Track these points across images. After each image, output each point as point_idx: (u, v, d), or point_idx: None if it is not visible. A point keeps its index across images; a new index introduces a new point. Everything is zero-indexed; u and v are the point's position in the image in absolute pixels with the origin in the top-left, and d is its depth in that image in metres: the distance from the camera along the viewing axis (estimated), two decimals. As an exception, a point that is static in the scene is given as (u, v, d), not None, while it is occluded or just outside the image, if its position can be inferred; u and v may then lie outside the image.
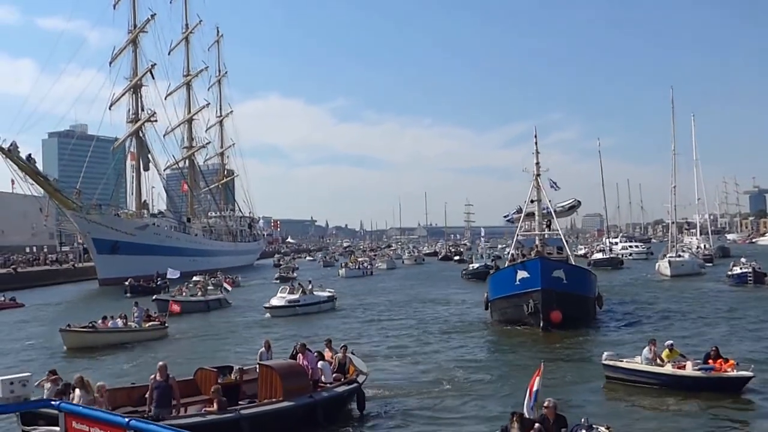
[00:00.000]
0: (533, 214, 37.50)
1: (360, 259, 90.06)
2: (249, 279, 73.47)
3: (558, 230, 36.27)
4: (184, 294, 43.14)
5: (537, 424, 11.55)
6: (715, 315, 34.76)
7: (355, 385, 16.05)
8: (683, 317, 34.34)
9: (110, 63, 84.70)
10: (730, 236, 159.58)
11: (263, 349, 17.81)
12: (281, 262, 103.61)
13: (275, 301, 39.58)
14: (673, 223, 74.07)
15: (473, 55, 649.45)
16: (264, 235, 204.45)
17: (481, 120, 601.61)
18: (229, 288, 48.83)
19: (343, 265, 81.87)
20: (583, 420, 12.02)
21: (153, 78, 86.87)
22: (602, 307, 34.49)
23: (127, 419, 5.97)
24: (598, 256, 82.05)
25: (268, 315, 38.57)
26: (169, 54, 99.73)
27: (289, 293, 40.03)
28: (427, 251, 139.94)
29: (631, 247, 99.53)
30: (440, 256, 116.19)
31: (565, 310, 29.23)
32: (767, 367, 20.38)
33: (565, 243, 34.92)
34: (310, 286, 42.81)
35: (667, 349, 19.09)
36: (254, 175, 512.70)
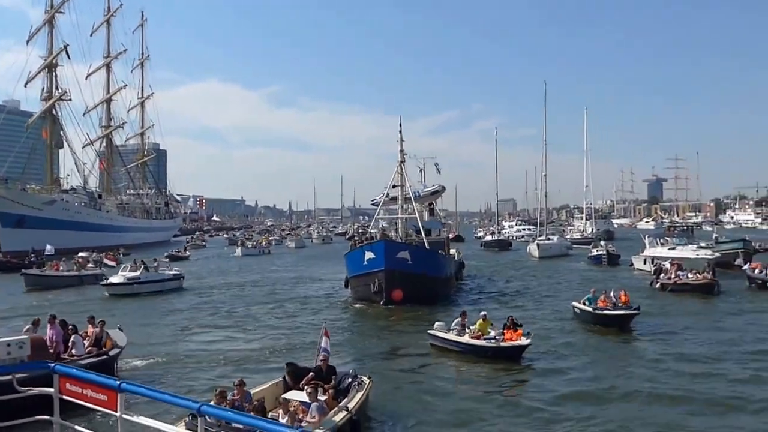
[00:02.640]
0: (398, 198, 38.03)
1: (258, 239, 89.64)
2: (147, 256, 71.17)
3: (416, 215, 36.58)
4: (60, 269, 41.83)
5: (311, 373, 13.28)
6: (555, 291, 36.41)
7: (104, 357, 16.04)
8: (526, 292, 36.62)
9: (27, 41, 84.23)
10: (616, 221, 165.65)
11: (30, 325, 16.61)
12: (188, 241, 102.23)
13: (114, 279, 37.42)
14: (543, 209, 76.91)
15: (402, 44, 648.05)
16: (187, 213, 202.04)
17: (408, 108, 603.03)
18: (113, 264, 47.57)
19: (239, 243, 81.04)
20: (351, 371, 13.96)
21: (69, 58, 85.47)
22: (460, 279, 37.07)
23: (118, 382, 6.01)
24: (489, 238, 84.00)
25: (106, 293, 36.41)
26: (91, 36, 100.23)
27: (130, 270, 37.86)
28: (339, 231, 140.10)
29: (523, 230, 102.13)
30: (347, 236, 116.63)
31: (408, 289, 29.86)
32: (556, 335, 22.66)
33: (420, 226, 35.33)
34: (155, 264, 41.24)
35: (480, 320, 20.48)
36: (191, 155, 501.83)
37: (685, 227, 61.02)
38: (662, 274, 36.87)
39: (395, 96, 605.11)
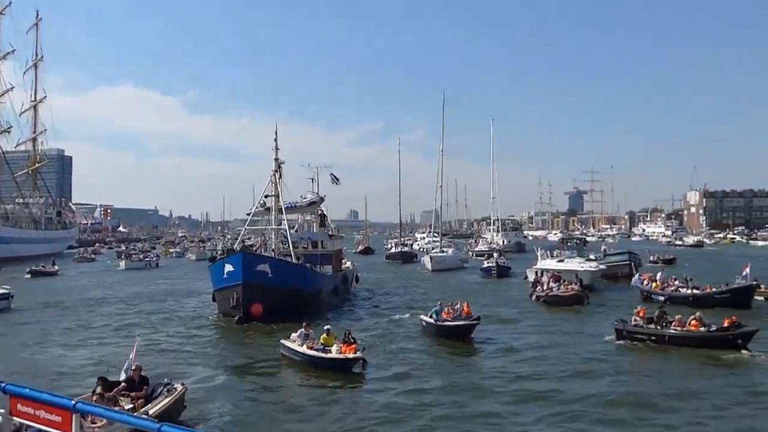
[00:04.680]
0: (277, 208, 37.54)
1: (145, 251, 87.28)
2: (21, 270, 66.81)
3: (285, 226, 36.23)
4: None
5: (122, 384, 14.20)
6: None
7: None
8: (402, 304, 37.30)
9: None
10: (533, 233, 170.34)
11: None
12: (80, 253, 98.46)
13: None
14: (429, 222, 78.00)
15: (327, 51, 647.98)
16: (88, 223, 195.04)
17: (333, 117, 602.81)
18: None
19: (123, 257, 78.47)
20: (165, 380, 14.89)
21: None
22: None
23: (73, 401, 5.70)
24: (393, 250, 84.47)
25: None
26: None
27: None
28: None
29: (434, 241, 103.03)
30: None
31: (269, 303, 29.36)
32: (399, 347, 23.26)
33: (289, 239, 34.91)
34: None
35: (325, 334, 21.49)
36: (103, 162, 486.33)
37: (577, 240, 63.00)
38: (538, 286, 37.82)
39: (318, 105, 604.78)
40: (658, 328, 23.75)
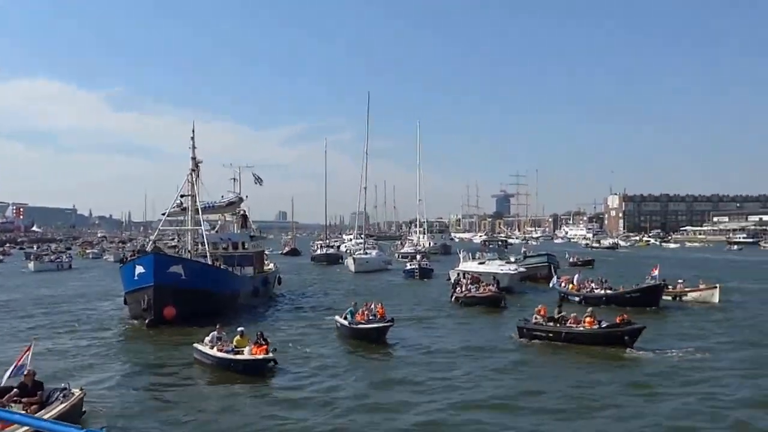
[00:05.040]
0: (194, 209, 36.77)
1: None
2: None
3: (202, 226, 35.47)
4: None
5: (15, 389, 13.80)
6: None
7: None
8: (320, 306, 37.16)
9: None
10: (462, 235, 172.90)
11: None
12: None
13: None
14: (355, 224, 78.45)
15: (255, 52, 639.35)
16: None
17: (260, 117, 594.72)
18: None
19: (33, 258, 75.56)
20: (63, 385, 14.62)
21: None
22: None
23: None
24: (318, 252, 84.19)
25: None
26: None
27: None
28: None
29: (357, 243, 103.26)
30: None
31: (182, 306, 28.70)
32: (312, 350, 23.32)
33: (205, 239, 34.28)
34: None
35: (238, 335, 21.28)
36: (18, 158, 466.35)
37: (499, 242, 64.25)
38: (458, 288, 38.39)
39: (247, 105, 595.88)
40: (557, 326, 24.68)
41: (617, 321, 23.96)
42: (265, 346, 20.03)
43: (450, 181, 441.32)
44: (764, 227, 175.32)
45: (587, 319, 24.19)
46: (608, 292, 36.96)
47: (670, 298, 37.57)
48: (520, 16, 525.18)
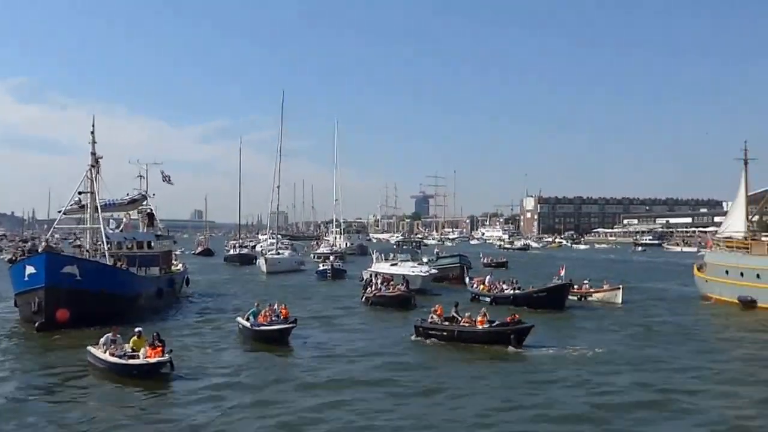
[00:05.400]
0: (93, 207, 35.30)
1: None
2: None
3: (101, 225, 34.08)
4: None
5: None
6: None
7: None
8: (227, 307, 36.27)
9: None
10: (380, 236, 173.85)
11: None
12: None
13: None
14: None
15: (168, 44, 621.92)
16: None
17: (176, 113, 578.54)
18: None
19: None
20: None
21: None
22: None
23: None
24: (231, 252, 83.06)
25: None
26: None
27: None
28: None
29: (271, 243, 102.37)
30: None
31: (77, 309, 27.44)
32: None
33: (104, 238, 32.99)
34: None
35: (135, 336, 20.59)
36: None
37: (413, 243, 64.79)
38: (369, 288, 38.52)
39: (162, 98, 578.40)
40: (451, 325, 25.18)
41: (507, 321, 24.63)
42: (159, 348, 19.46)
43: (371, 181, 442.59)
44: (671, 229, 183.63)
45: (479, 319, 24.66)
46: (516, 292, 37.72)
47: (576, 298, 38.69)
48: (443, 17, 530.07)
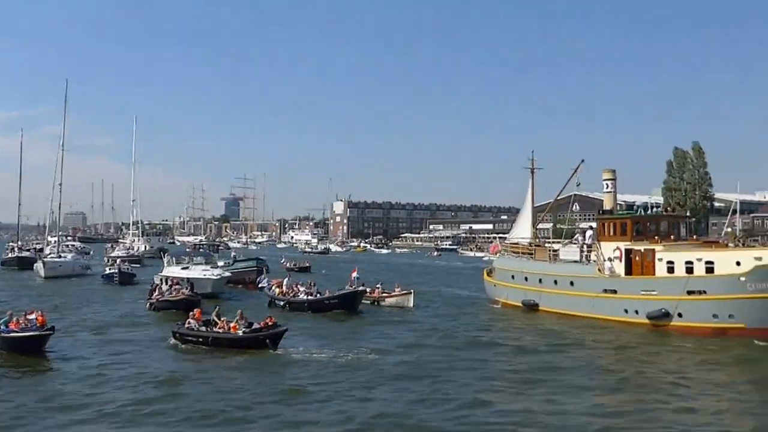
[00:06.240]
0: None
1: None
2: None
3: None
4: None
5: None
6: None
7: None
8: None
9: None
10: (185, 238, 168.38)
11: None
12: None
13: None
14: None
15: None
16: None
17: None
18: None
19: None
20: None
21: None
22: None
23: None
24: (9, 255, 76.74)
25: None
26: None
27: None
28: None
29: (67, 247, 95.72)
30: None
31: None
32: None
33: None
34: None
35: None
36: None
37: (211, 246, 63.22)
38: (155, 293, 37.15)
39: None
40: (207, 330, 25.09)
41: (261, 325, 24.88)
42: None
43: (179, 181, 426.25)
44: (473, 235, 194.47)
45: (233, 325, 24.76)
46: (310, 298, 37.79)
47: (369, 302, 39.39)
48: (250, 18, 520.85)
